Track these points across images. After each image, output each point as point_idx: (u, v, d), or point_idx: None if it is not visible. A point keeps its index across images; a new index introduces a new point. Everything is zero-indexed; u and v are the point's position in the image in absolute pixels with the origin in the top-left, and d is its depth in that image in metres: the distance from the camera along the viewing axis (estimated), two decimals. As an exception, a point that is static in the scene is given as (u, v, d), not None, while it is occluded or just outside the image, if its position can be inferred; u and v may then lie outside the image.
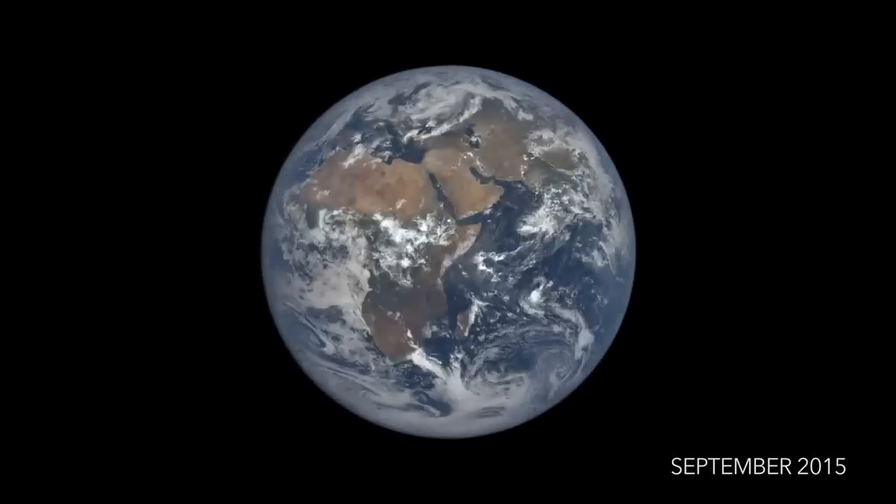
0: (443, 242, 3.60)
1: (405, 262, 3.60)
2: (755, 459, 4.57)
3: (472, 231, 3.62)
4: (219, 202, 4.68)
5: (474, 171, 3.68)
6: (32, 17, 4.58)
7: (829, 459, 4.55)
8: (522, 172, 3.71)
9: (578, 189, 3.80)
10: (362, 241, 3.65)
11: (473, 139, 3.74)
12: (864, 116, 4.73)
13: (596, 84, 4.74)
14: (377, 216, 3.64)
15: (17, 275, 4.55)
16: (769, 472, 4.57)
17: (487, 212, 3.63)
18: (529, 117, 3.89)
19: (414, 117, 3.81)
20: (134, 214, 4.66)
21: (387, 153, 3.74)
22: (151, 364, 4.63)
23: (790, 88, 4.77)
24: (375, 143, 3.78)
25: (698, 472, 4.56)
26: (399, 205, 3.64)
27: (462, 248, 3.60)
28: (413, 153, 3.73)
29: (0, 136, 4.57)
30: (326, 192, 3.77)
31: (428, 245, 3.60)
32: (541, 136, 3.83)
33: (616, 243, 3.91)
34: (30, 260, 4.57)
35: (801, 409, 4.69)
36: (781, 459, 4.56)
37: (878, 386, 4.64)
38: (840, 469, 4.53)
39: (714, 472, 4.58)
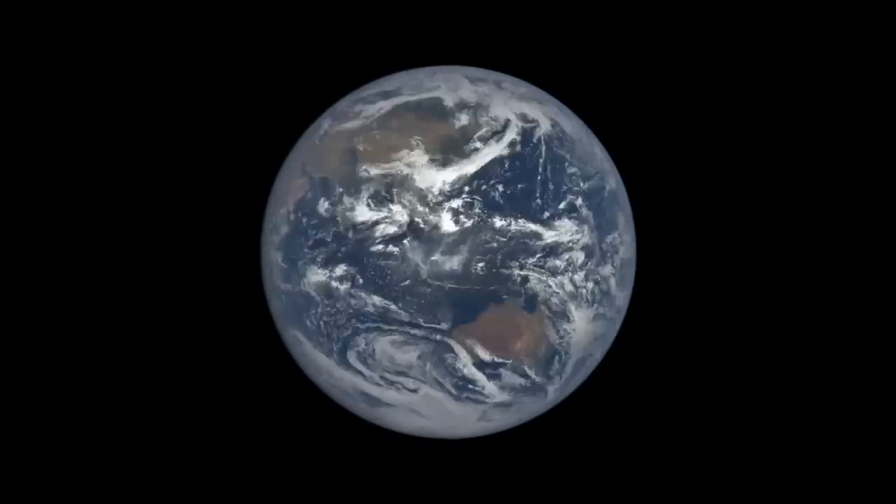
0: None
1: None
2: (755, 459, 4.58)
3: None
4: (219, 202, 4.69)
5: None
6: (32, 18, 4.59)
7: (828, 460, 4.56)
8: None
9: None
10: None
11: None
12: (865, 116, 4.72)
13: (596, 84, 4.74)
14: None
15: (17, 275, 4.56)
16: (768, 473, 4.57)
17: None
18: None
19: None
20: (134, 214, 4.66)
21: None
22: (151, 364, 4.62)
23: (790, 88, 4.77)
24: None
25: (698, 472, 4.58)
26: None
27: None
28: None
29: (0, 136, 4.58)
30: None
31: None
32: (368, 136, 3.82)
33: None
34: (30, 260, 4.57)
35: (801, 409, 4.69)
36: (781, 460, 4.58)
37: (879, 385, 4.63)
38: (840, 468, 4.54)
39: (713, 472, 4.59)
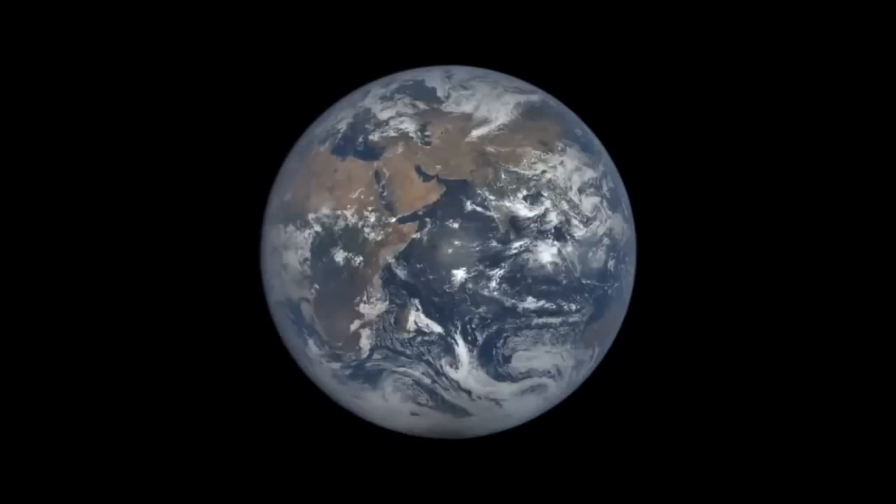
0: (378, 239, 3.64)
1: (340, 257, 3.68)
2: (754, 459, 4.59)
3: (408, 230, 3.63)
4: (219, 202, 4.70)
5: (419, 169, 3.69)
6: (32, 17, 4.59)
7: (828, 460, 4.57)
8: (469, 171, 3.68)
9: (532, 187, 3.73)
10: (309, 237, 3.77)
11: (425, 137, 3.75)
12: (865, 116, 4.73)
13: (596, 83, 4.75)
14: (326, 212, 3.74)
15: (16, 275, 4.56)
16: (768, 473, 4.58)
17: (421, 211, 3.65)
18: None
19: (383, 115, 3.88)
20: (134, 214, 4.67)
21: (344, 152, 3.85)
22: (151, 364, 4.63)
23: (790, 88, 4.78)
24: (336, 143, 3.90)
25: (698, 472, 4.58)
26: (345, 201, 3.72)
27: (398, 247, 3.63)
28: (368, 152, 3.79)
29: (0, 136, 4.58)
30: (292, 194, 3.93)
31: (363, 241, 3.65)
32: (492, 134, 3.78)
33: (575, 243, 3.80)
34: (30, 260, 4.57)
35: (801, 409, 4.69)
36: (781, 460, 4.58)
37: (879, 385, 4.63)
38: (840, 468, 4.54)
39: (714, 472, 4.59)
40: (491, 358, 3.74)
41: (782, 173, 4.80)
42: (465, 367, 3.74)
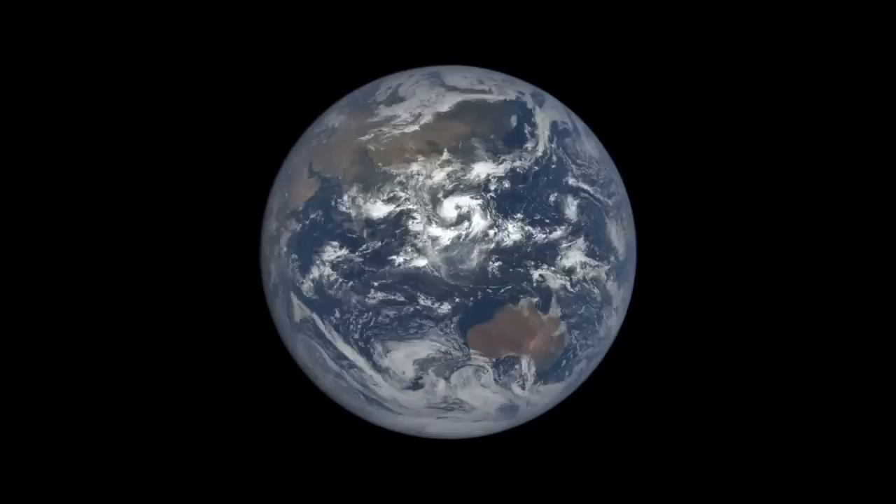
0: None
1: None
2: (755, 460, 4.60)
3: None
4: (219, 202, 4.70)
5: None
6: (32, 17, 4.59)
7: (828, 460, 4.58)
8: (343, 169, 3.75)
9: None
10: None
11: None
12: (865, 116, 4.74)
13: (595, 84, 4.76)
14: None
15: (16, 275, 4.56)
16: (769, 474, 4.59)
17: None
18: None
19: None
20: (134, 214, 4.67)
21: None
22: (151, 364, 4.63)
23: (790, 88, 4.78)
24: None
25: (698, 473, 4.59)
26: None
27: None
28: None
29: (0, 135, 4.57)
30: None
31: None
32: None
33: None
34: (30, 261, 4.57)
35: (801, 409, 4.70)
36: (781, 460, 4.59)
37: (879, 385, 4.64)
38: (840, 468, 4.55)
39: (714, 472, 4.60)
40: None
41: (782, 173, 4.82)
42: None
